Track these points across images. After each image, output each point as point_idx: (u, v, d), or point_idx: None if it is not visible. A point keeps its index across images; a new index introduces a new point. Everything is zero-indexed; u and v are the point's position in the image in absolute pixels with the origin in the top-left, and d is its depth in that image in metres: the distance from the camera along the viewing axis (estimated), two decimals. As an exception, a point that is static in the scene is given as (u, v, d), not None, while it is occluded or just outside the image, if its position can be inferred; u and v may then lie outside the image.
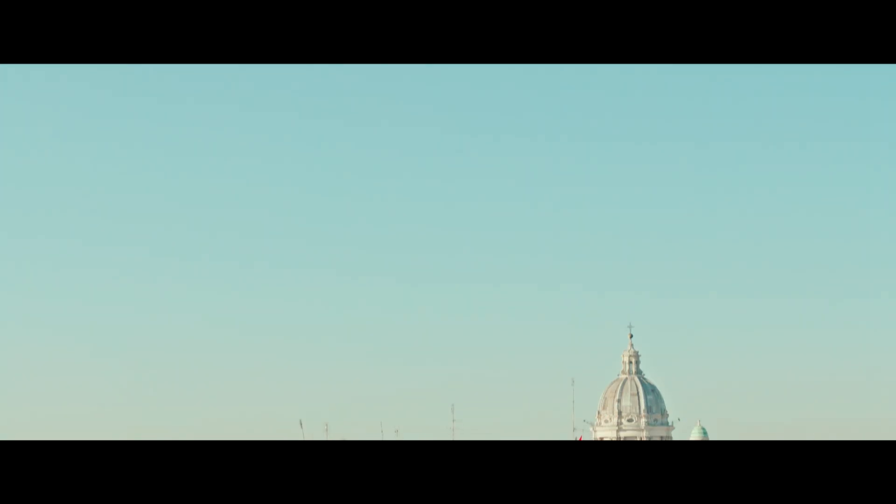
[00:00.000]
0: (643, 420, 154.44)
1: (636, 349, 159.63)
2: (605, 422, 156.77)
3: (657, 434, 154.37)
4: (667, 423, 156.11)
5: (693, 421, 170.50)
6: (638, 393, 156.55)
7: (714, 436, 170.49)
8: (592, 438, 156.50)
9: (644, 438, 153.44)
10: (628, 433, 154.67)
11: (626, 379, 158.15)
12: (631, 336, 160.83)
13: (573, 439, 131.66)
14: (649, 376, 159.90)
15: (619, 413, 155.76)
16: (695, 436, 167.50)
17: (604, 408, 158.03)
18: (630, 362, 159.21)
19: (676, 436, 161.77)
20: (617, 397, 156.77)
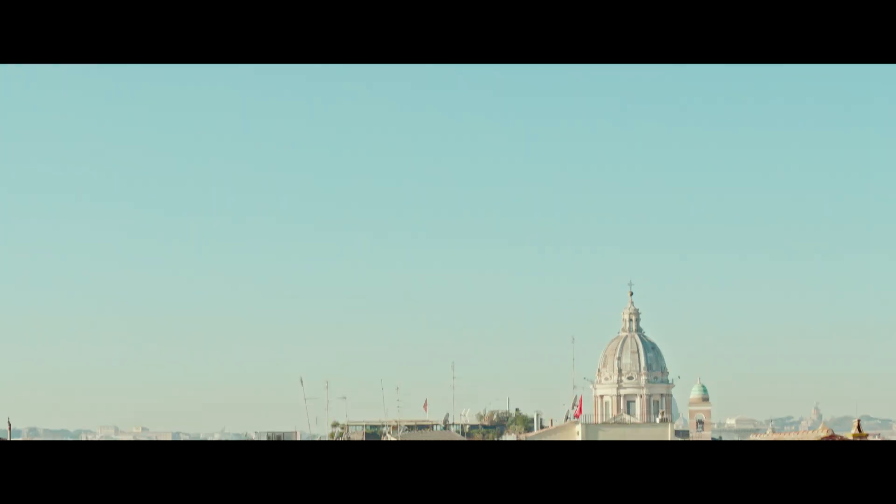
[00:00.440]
0: (643, 378, 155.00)
1: (636, 307, 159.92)
2: (606, 379, 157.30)
3: (657, 391, 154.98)
4: (667, 381, 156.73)
5: (693, 378, 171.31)
6: (638, 350, 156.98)
7: (714, 392, 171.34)
8: (593, 395, 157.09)
9: (644, 396, 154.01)
10: (628, 391, 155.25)
11: (627, 337, 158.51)
12: (631, 294, 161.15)
13: (575, 396, 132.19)
14: (649, 334, 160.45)
15: (620, 371, 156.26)
16: (695, 393, 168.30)
17: (604, 365, 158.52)
18: (630, 320, 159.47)
19: (676, 393, 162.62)
20: (617, 355, 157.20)
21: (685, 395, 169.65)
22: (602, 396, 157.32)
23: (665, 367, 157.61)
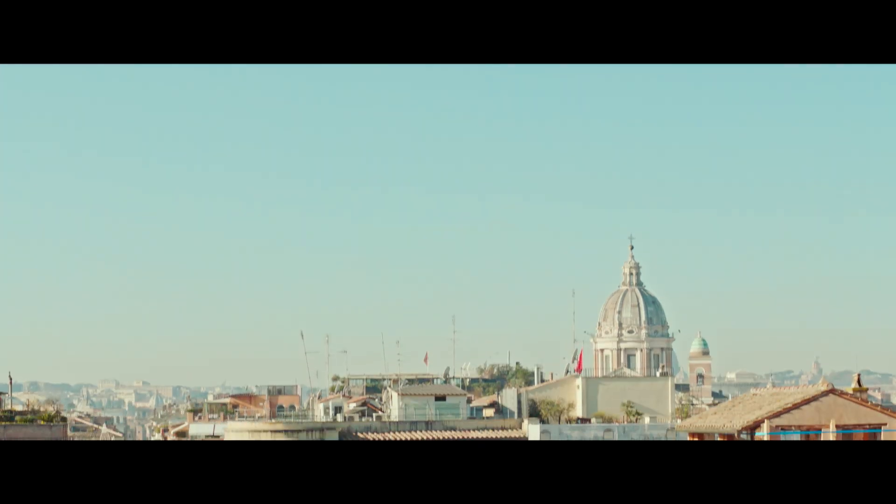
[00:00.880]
0: (643, 331, 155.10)
1: (637, 261, 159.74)
2: (606, 333, 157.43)
3: (658, 345, 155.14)
4: (667, 335, 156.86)
5: (693, 332, 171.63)
6: (638, 304, 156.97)
7: (714, 346, 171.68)
8: (593, 349, 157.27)
9: (644, 350, 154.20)
10: (629, 345, 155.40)
11: (627, 290, 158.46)
12: (632, 248, 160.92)
13: (576, 350, 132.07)
14: (650, 288, 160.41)
15: (620, 324, 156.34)
16: (695, 347, 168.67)
17: (604, 319, 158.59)
18: (631, 274, 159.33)
19: (677, 347, 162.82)
20: (617, 309, 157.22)
21: (685, 350, 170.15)
22: (602, 350, 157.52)
23: (665, 322, 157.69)
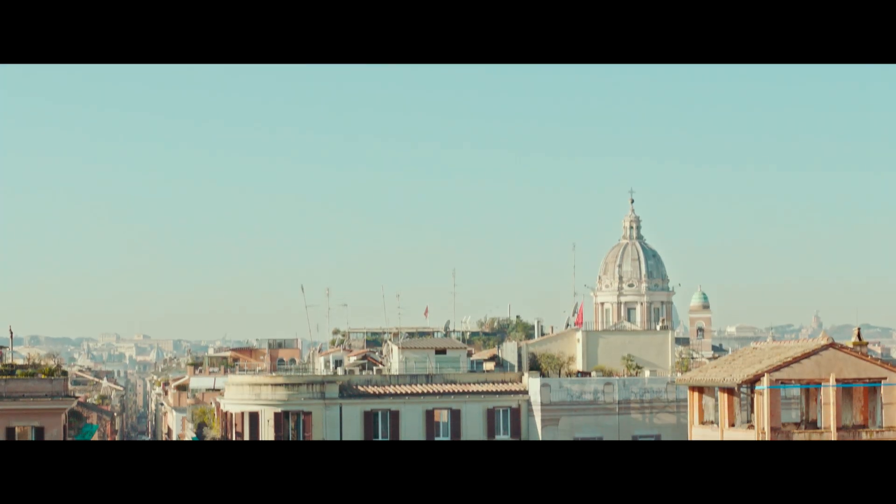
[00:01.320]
0: (644, 285, 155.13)
1: (637, 214, 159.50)
2: (606, 287, 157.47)
3: (658, 299, 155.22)
4: (667, 289, 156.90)
5: (694, 286, 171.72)
6: (639, 258, 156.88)
7: (714, 300, 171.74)
8: (593, 303, 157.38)
9: (645, 303, 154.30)
10: (629, 298, 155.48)
11: (627, 244, 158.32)
12: (632, 201, 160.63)
13: (576, 304, 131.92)
14: (650, 241, 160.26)
15: (620, 278, 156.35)
16: (695, 301, 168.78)
17: (604, 273, 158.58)
18: (631, 227, 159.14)
19: (677, 301, 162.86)
20: (618, 262, 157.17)
21: (686, 303, 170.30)
22: (602, 304, 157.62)
23: (665, 275, 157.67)
